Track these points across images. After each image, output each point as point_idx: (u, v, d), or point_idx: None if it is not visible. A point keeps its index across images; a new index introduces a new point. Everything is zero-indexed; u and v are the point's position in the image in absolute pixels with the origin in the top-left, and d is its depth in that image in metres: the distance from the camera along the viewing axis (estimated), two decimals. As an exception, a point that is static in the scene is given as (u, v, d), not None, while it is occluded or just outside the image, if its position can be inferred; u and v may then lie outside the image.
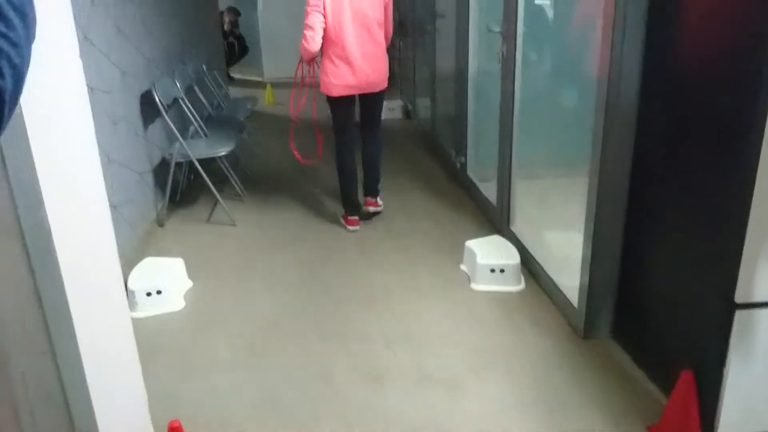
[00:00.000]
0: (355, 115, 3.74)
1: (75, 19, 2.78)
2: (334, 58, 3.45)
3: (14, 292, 1.29)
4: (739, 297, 1.74)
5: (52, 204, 1.30)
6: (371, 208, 3.89)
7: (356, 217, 3.79)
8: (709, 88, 1.83)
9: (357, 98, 3.65)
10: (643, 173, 2.22)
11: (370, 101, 3.69)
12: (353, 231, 3.75)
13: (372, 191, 3.89)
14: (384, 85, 3.65)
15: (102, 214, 1.68)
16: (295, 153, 3.95)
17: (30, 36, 0.69)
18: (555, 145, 3.17)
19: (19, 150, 1.21)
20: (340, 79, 3.49)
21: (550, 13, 3.21)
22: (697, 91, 1.88)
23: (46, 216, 1.28)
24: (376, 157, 3.88)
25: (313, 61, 3.56)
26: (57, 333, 1.34)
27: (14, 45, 0.65)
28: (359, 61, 3.45)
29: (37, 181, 1.26)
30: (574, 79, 2.89)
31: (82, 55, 2.82)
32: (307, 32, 3.37)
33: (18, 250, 1.26)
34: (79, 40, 2.82)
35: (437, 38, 5.03)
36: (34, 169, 1.25)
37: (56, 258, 1.31)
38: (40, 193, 1.27)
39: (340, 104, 3.59)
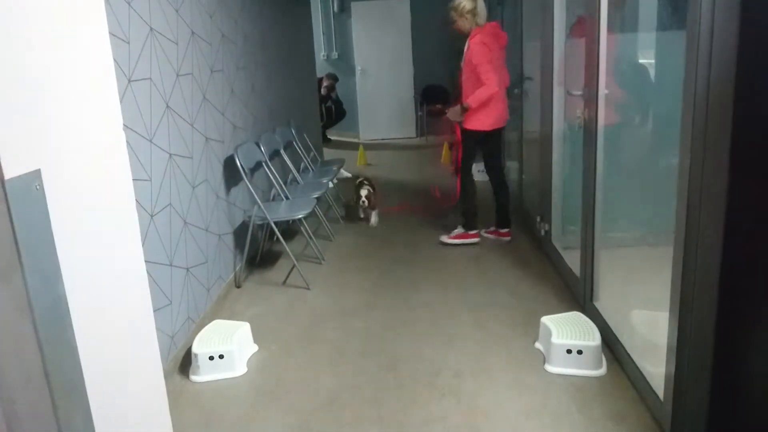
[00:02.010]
0: None
1: (160, 90, 2.93)
2: (492, 101, 4.15)
3: (24, 369, 1.26)
4: None
5: (71, 277, 1.27)
6: (509, 238, 4.53)
7: (477, 231, 4.51)
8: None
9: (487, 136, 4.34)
10: (739, 246, 1.95)
11: (499, 134, 4.45)
12: (476, 243, 4.49)
13: (509, 222, 4.53)
14: None
15: (138, 285, 1.65)
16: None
17: None
18: (643, 212, 2.91)
19: (36, 220, 1.19)
20: (494, 116, 4.24)
21: (632, 75, 3.01)
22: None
23: (64, 290, 1.26)
24: (508, 189, 4.54)
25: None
26: (66, 415, 1.29)
27: None
28: (503, 101, 4.30)
29: (55, 251, 1.24)
30: (660, 140, 2.66)
31: (164, 123, 2.96)
32: (492, 80, 4.03)
33: (29, 328, 1.23)
34: (162, 109, 2.97)
35: (524, 101, 4.91)
36: (51, 235, 1.23)
37: (72, 334, 1.28)
38: (58, 264, 1.25)
39: (478, 137, 4.29)
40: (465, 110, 4.18)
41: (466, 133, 4.29)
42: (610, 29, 2.85)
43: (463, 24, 4.19)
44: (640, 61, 3.02)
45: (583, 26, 3.10)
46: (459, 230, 4.52)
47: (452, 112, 4.30)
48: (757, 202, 1.83)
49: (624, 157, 3.10)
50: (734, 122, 1.89)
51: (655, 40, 2.86)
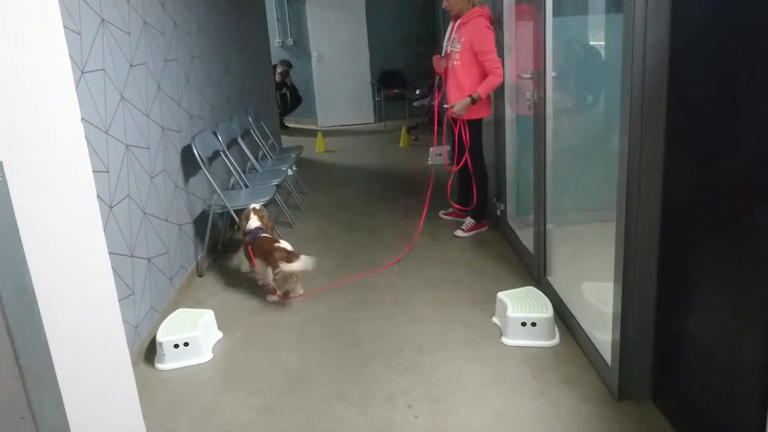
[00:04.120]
0: None
1: (113, 81, 2.91)
2: None
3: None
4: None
5: (37, 266, 1.30)
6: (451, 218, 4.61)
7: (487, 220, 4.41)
8: (733, 124, 1.70)
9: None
10: (675, 218, 2.08)
11: None
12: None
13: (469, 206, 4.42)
14: None
15: (102, 273, 1.69)
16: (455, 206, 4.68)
17: None
18: (592, 190, 3.04)
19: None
20: (492, 101, 4.13)
21: (580, 57, 3.13)
22: (723, 129, 1.76)
23: (30, 279, 1.30)
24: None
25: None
26: (38, 399, 1.33)
27: None
28: None
29: (19, 241, 1.27)
30: (606, 120, 2.78)
31: (119, 114, 2.94)
32: (501, 69, 3.83)
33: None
34: (116, 100, 2.95)
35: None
36: (16, 225, 1.26)
37: (40, 321, 1.31)
38: (23, 253, 1.28)
39: (481, 124, 4.12)
40: (474, 102, 3.88)
41: (473, 123, 4.06)
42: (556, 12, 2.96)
43: (460, 2, 3.88)
44: (591, 43, 3.13)
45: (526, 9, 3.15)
46: (470, 221, 4.34)
47: (460, 106, 3.91)
48: (690, 177, 1.96)
49: (574, 137, 3.22)
50: (668, 103, 2.02)
51: (598, 22, 2.97)
